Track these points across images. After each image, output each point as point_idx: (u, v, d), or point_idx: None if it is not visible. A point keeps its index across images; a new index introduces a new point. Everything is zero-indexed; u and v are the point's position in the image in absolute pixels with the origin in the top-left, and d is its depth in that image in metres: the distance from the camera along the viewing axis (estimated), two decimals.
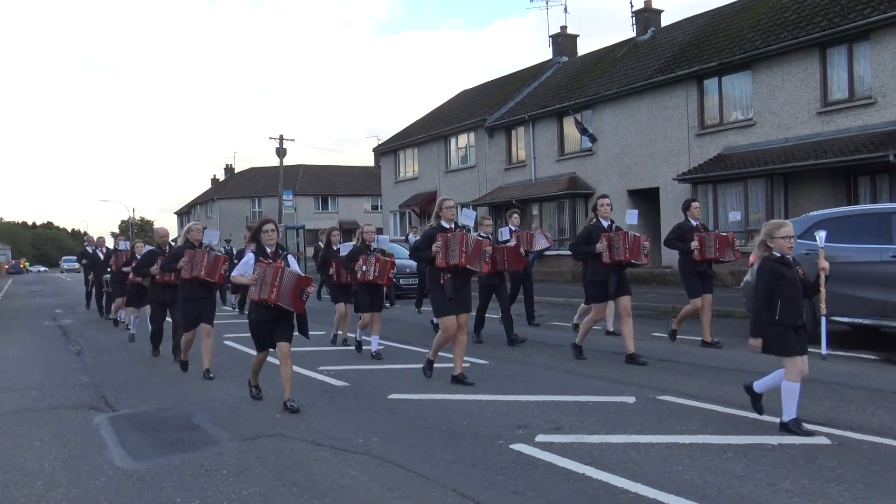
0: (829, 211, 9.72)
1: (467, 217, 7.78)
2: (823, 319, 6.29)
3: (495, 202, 25.30)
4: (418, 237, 7.79)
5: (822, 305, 6.13)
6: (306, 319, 6.50)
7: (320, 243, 13.05)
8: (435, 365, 7.57)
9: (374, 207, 54.05)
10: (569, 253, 10.32)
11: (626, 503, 3.86)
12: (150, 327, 9.91)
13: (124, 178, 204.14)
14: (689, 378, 7.15)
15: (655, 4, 24.96)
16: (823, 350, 6.11)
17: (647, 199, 20.53)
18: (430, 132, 30.58)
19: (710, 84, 18.93)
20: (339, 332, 10.50)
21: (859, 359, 7.93)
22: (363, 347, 9.59)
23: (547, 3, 28.42)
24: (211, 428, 5.79)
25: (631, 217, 8.92)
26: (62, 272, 65.14)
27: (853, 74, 15.85)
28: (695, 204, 9.42)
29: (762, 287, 5.06)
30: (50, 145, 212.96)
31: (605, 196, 8.53)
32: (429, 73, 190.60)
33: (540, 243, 11.00)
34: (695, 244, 8.90)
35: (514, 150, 26.28)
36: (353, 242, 9.68)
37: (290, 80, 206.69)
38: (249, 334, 6.54)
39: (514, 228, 10.49)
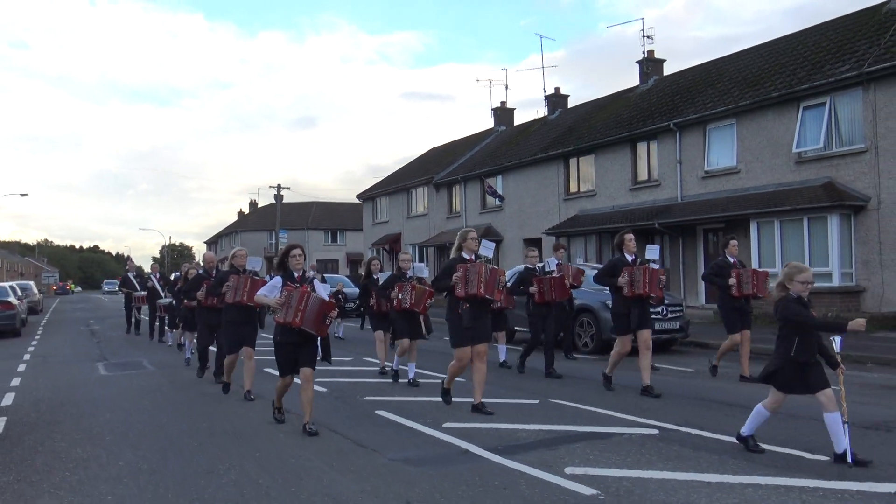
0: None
1: (486, 248, 7.80)
2: (847, 427, 5.61)
3: (439, 244, 31.78)
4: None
5: (844, 409, 5.44)
6: (329, 344, 6.85)
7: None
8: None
9: None
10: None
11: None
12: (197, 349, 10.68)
13: (164, 207, 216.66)
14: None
15: (564, 90, 31.52)
16: (849, 458, 5.54)
17: (535, 246, 26.81)
18: (398, 184, 37.33)
19: (573, 162, 25.30)
20: (388, 364, 10.22)
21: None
22: (400, 377, 9.62)
23: (490, 82, 35.11)
24: (149, 366, 12.39)
25: (651, 252, 8.99)
26: (102, 294, 72.68)
27: (650, 163, 22.13)
28: (733, 242, 9.52)
29: (799, 315, 5.23)
30: (96, 172, 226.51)
31: (629, 232, 8.83)
32: (463, 104, 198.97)
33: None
34: (732, 281, 9.16)
35: (453, 202, 32.83)
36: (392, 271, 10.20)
37: (329, 112, 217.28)
38: (273, 357, 6.87)
39: (558, 262, 10.76)
